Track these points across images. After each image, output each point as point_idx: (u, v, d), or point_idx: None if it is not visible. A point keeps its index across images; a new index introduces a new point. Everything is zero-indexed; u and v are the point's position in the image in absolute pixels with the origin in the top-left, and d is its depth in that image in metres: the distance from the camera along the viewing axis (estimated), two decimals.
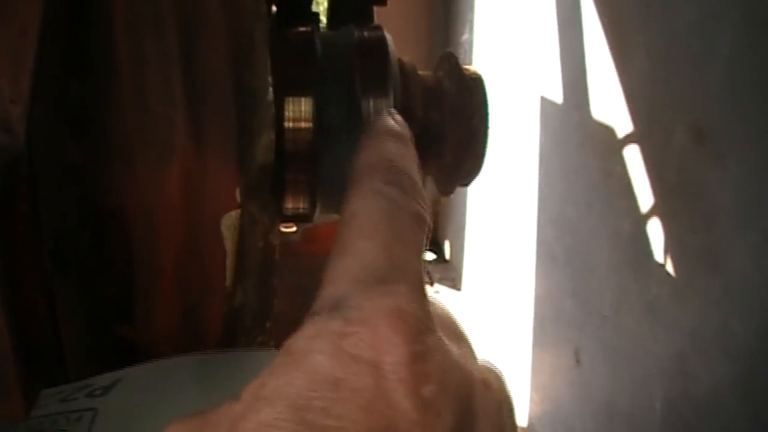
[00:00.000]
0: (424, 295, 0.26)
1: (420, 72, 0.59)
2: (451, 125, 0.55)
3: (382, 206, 0.30)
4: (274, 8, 0.56)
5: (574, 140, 1.29)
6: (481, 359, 0.27)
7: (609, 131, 1.11)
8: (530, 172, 1.44)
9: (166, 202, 0.35)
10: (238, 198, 0.35)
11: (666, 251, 1.03)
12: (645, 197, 1.06)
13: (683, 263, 1.00)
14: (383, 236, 0.28)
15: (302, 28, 0.49)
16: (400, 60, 0.55)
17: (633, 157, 1.07)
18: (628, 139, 1.08)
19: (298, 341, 0.24)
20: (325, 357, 0.23)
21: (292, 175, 0.42)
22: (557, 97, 1.33)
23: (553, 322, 1.49)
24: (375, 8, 0.67)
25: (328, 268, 0.27)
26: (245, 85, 0.38)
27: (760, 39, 0.84)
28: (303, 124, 0.42)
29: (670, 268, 1.02)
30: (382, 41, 0.49)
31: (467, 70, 0.59)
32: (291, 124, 0.43)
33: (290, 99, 0.44)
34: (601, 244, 1.20)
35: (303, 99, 0.43)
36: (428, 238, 0.30)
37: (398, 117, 0.38)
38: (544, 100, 1.41)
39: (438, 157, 0.60)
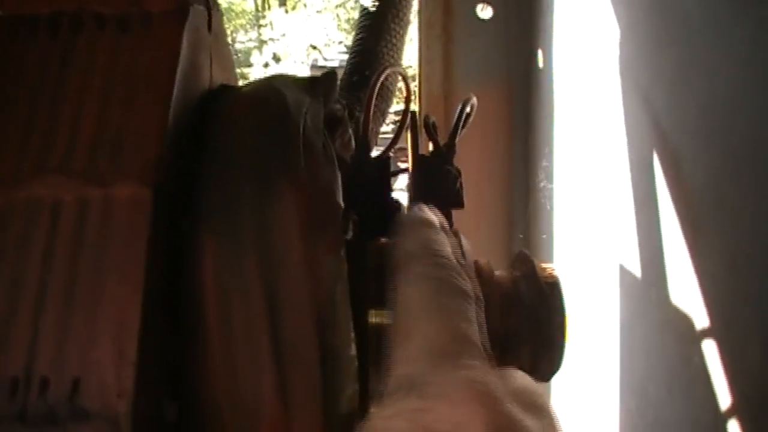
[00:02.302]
0: (490, 365, 0.25)
1: (496, 272, 0.63)
2: (529, 331, 0.59)
3: (431, 287, 0.30)
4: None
5: (653, 319, 1.31)
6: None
7: (686, 319, 1.13)
8: (612, 342, 1.46)
9: None
10: None
11: None
12: (723, 394, 1.07)
13: None
14: (440, 314, 0.28)
15: (382, 239, 0.52)
16: (476, 263, 0.60)
17: (710, 352, 1.09)
18: (704, 333, 1.10)
19: (378, 421, 0.23)
20: None
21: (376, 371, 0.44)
22: (635, 269, 1.36)
23: None
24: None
25: (394, 350, 0.27)
26: (328, 345, 0.38)
27: None
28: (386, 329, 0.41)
29: None
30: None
31: (544, 271, 0.63)
32: (375, 332, 0.45)
33: (373, 311, 0.48)
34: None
35: (385, 311, 0.45)
36: (480, 309, 0.30)
37: (425, 207, 0.39)
38: (622, 269, 1.44)
39: (515, 360, 0.64)
